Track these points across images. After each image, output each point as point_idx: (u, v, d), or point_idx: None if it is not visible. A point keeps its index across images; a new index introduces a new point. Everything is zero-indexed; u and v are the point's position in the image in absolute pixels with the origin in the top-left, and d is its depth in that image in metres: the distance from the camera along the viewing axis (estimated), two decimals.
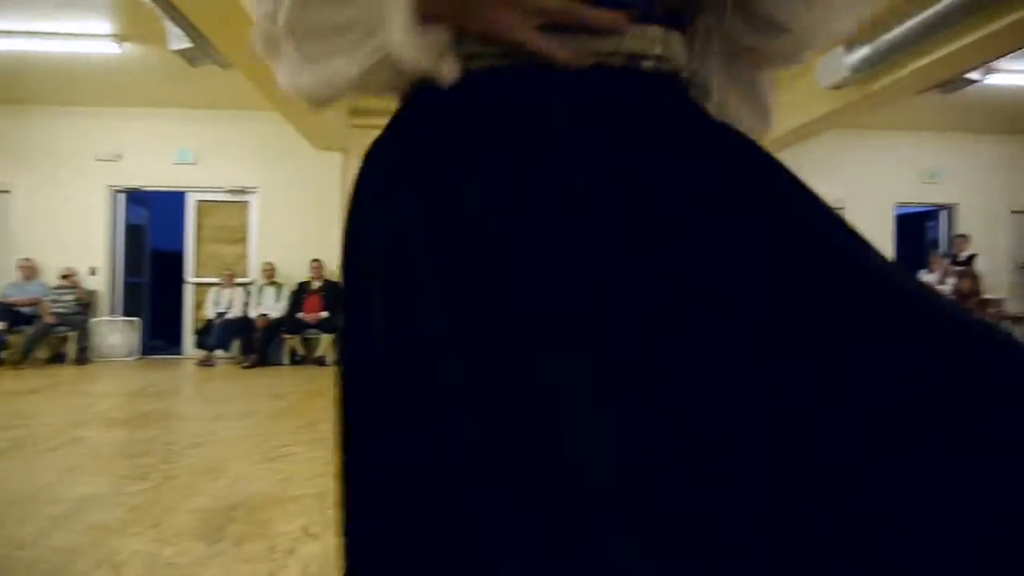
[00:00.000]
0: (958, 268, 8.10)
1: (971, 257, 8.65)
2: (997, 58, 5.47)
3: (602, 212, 0.49)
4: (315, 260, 8.13)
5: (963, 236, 8.96)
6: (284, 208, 8.63)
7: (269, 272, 8.15)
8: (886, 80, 5.62)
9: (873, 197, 9.01)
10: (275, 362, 7.83)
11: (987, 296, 7.11)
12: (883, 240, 9.45)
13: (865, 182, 9.12)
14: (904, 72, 5.41)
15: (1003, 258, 9.58)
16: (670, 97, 0.57)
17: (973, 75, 6.11)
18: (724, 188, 0.50)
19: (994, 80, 6.68)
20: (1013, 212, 9.61)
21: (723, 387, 0.43)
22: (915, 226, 9.91)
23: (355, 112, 8.15)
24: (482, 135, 0.53)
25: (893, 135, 9.11)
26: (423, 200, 0.52)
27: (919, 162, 9.16)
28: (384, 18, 0.52)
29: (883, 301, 0.44)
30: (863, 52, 5.39)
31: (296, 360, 7.86)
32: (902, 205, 9.25)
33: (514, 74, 0.54)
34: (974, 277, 6.64)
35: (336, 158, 8.53)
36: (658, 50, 0.56)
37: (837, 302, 0.44)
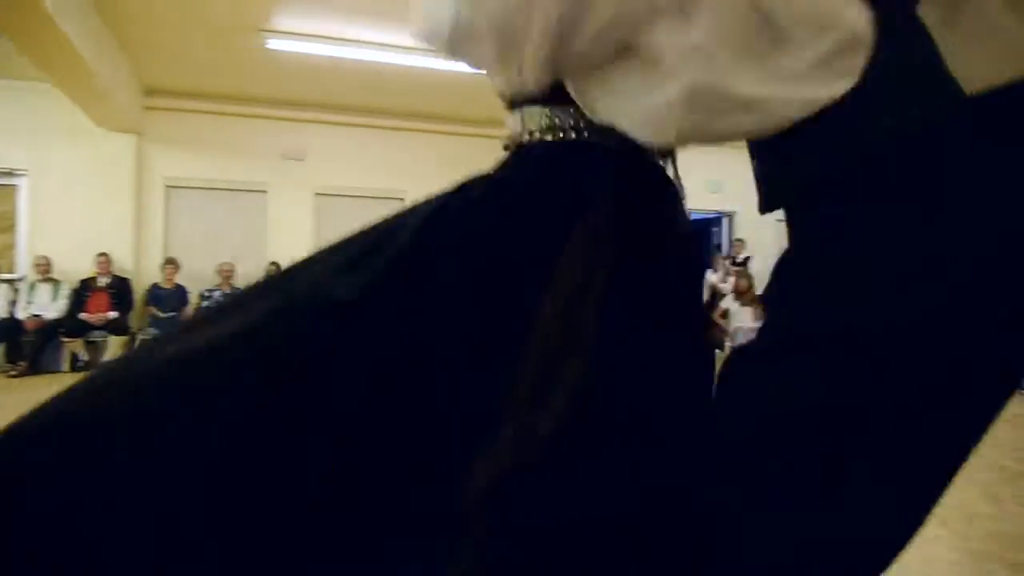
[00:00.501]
0: (736, 268, 8.90)
1: (747, 259, 9.66)
2: None
3: None
4: (101, 254, 7.23)
5: (741, 240, 10.18)
6: (62, 194, 7.49)
7: (43, 267, 7.06)
8: None
9: None
10: (52, 369, 6.85)
11: (759, 293, 7.93)
12: None
13: None
14: None
15: (772, 259, 11.38)
16: None
17: None
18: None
19: None
20: (778, 220, 11.29)
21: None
22: (703, 230, 10.62)
23: (150, 92, 7.52)
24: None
25: (683, 148, 10.02)
26: None
27: (705, 173, 9.64)
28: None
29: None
30: None
31: (78, 367, 6.92)
32: (692, 211, 10.30)
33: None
34: (749, 276, 7.54)
35: (128, 141, 7.62)
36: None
37: None
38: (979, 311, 0.55)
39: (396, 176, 8.74)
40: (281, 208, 8.58)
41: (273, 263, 7.88)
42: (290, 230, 8.48)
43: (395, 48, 6.44)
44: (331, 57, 6.73)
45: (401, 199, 8.10)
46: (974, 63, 0.54)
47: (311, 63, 6.90)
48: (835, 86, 0.57)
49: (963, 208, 0.55)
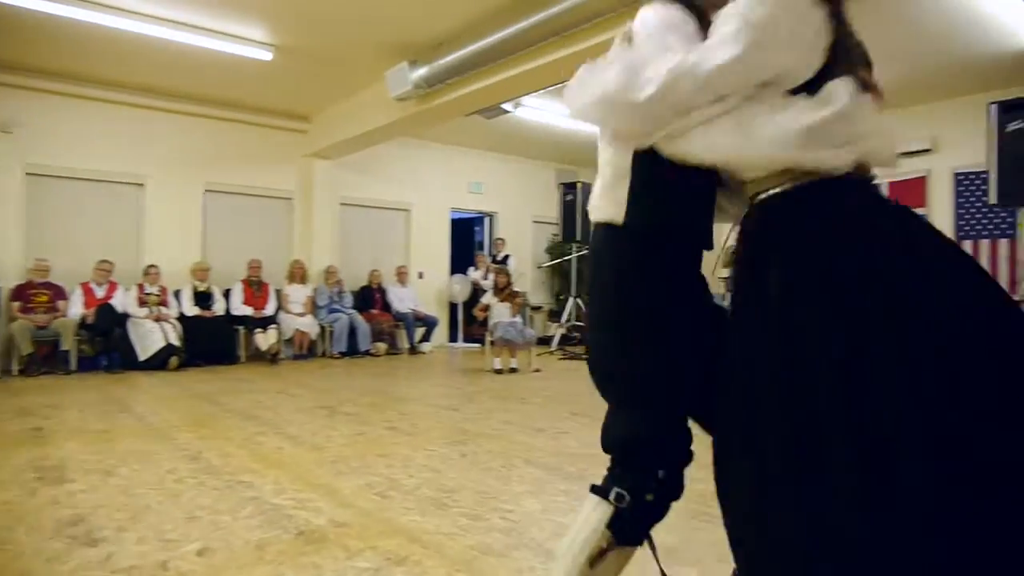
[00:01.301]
0: (496, 265, 8.57)
1: (506, 257, 9.49)
2: (524, 95, 7.02)
3: None
4: None
5: (501, 239, 10.76)
6: None
7: None
8: (441, 100, 6.62)
9: (434, 202, 9.17)
10: None
11: (517, 289, 7.81)
12: (442, 240, 9.84)
13: (428, 188, 9.29)
14: (454, 95, 6.46)
15: (528, 257, 11.37)
16: None
17: (507, 106, 7.36)
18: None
19: (522, 113, 8.20)
20: (534, 221, 11.59)
21: None
22: (467, 229, 9.65)
23: None
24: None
25: (449, 149, 9.31)
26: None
27: (469, 174, 9.36)
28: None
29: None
30: (423, 71, 6.28)
31: None
32: (456, 210, 8.96)
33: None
34: (507, 273, 7.92)
35: None
36: None
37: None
38: None
39: (133, 159, 7.95)
40: None
41: None
42: None
43: (138, 15, 5.63)
44: (52, 14, 5.51)
45: (141, 184, 8.11)
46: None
47: (25, 17, 5.65)
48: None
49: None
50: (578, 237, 8.86)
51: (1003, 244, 7.63)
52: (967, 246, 7.82)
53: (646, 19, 1.34)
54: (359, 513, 2.41)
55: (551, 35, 5.17)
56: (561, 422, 4.21)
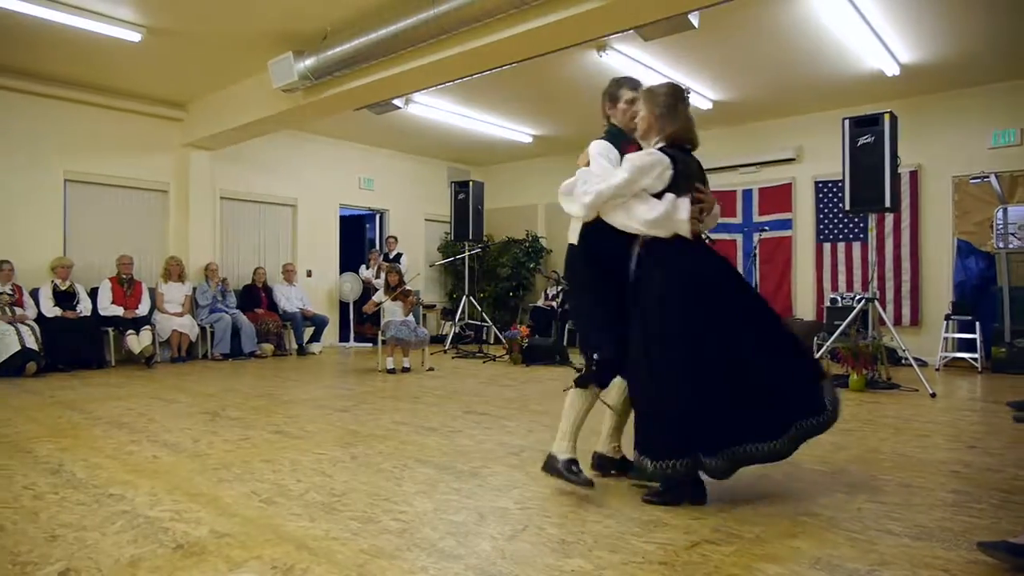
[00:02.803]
0: (388, 264, 8.51)
1: (398, 255, 9.43)
2: (414, 91, 6.98)
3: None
4: None
5: (393, 237, 10.50)
6: None
7: None
8: (329, 92, 6.50)
9: (323, 197, 9.02)
10: None
11: (409, 288, 7.72)
12: (331, 237, 9.71)
13: (315, 183, 9.09)
14: (343, 89, 6.35)
15: (420, 256, 11.36)
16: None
17: (397, 102, 7.27)
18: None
19: (413, 109, 8.19)
20: (426, 219, 11.71)
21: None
22: (358, 226, 9.70)
23: None
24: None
25: (339, 143, 9.16)
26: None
27: (359, 170, 9.31)
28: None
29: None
30: (309, 62, 6.08)
31: None
32: (346, 207, 8.90)
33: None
34: (399, 272, 7.84)
35: None
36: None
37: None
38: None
39: None
40: None
41: None
42: None
43: None
44: None
45: None
46: None
47: None
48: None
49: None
50: (470, 235, 8.88)
51: (856, 247, 8.38)
52: (826, 248, 8.54)
53: (592, 149, 2.82)
54: (243, 522, 2.30)
55: (440, 33, 5.17)
56: (454, 421, 4.21)
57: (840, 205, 8.09)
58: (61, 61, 6.83)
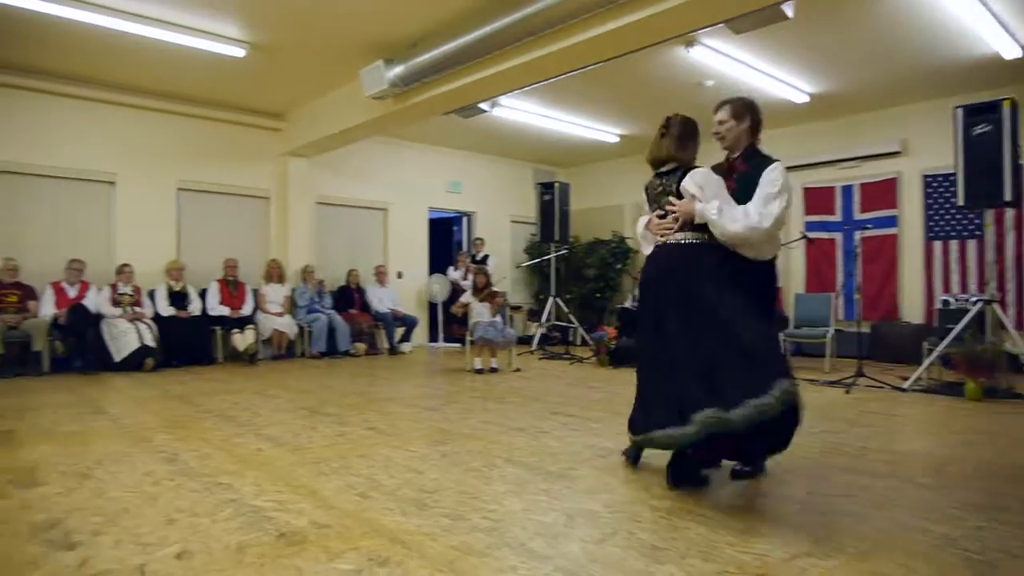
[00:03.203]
0: (476, 265, 8.61)
1: (485, 256, 9.57)
2: (501, 95, 7.04)
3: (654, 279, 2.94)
4: None
5: (480, 239, 10.80)
6: None
7: None
8: (418, 99, 6.70)
9: (412, 201, 9.24)
10: None
11: (496, 289, 7.80)
12: (420, 239, 9.95)
13: (405, 187, 9.36)
14: (431, 94, 6.54)
15: (507, 257, 11.55)
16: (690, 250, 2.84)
17: (483, 105, 7.31)
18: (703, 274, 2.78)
19: (499, 112, 8.35)
20: (512, 221, 11.77)
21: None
22: (446, 229, 9.87)
23: None
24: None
25: (426, 148, 9.37)
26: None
27: (446, 174, 9.47)
28: None
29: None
30: (399, 70, 6.31)
31: None
32: (434, 210, 9.02)
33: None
34: (487, 273, 7.96)
35: None
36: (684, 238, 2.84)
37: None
38: None
39: (104, 156, 7.74)
40: None
41: None
42: None
43: (110, 10, 5.54)
44: (21, 7, 5.36)
45: (111, 182, 7.92)
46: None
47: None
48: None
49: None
50: (556, 237, 8.87)
51: (971, 245, 7.79)
52: (936, 247, 7.99)
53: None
54: (340, 514, 2.39)
55: (527, 35, 5.20)
56: (541, 421, 4.22)
57: (952, 200, 7.58)
58: (174, 78, 7.34)
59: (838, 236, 8.73)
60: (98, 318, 6.97)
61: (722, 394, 2.48)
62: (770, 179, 2.77)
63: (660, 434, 2.65)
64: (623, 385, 6.00)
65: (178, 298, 7.65)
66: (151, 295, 7.56)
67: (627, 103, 8.24)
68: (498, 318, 7.26)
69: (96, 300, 7.09)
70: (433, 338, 10.30)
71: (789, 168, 8.75)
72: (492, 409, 4.71)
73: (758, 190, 2.76)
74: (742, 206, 2.76)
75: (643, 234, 3.05)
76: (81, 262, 7.17)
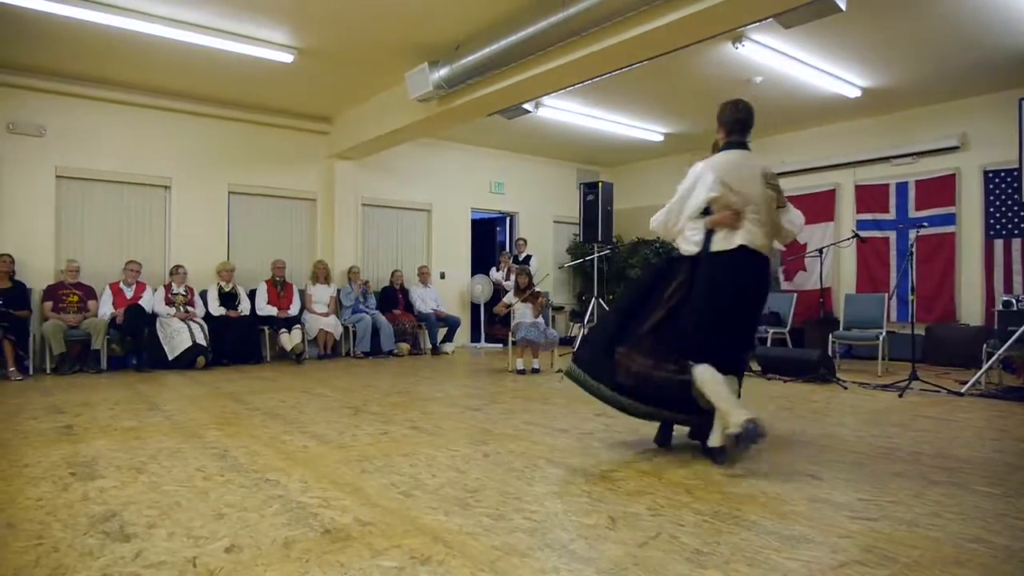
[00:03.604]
0: (518, 266, 8.58)
1: (528, 257, 9.60)
2: (544, 95, 7.11)
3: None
4: None
5: (522, 239, 10.82)
6: None
7: None
8: (462, 100, 6.76)
9: (455, 202, 9.34)
10: None
11: (539, 290, 7.79)
12: (463, 240, 10.08)
13: (449, 189, 9.46)
14: (475, 96, 6.60)
15: (550, 258, 11.48)
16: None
17: (527, 106, 7.38)
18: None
19: (542, 112, 8.39)
20: (555, 221, 11.80)
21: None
22: (488, 229, 9.93)
23: None
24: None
25: (469, 149, 9.49)
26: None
27: (489, 175, 9.61)
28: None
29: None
30: (443, 72, 6.40)
31: None
32: (477, 210, 9.09)
33: None
34: (529, 274, 7.92)
35: None
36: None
37: None
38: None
39: (159, 161, 8.02)
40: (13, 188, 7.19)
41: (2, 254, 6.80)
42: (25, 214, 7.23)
43: (162, 20, 5.76)
44: (81, 19, 5.58)
45: (166, 186, 8.19)
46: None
47: (52, 22, 5.75)
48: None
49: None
50: (599, 238, 8.82)
51: None
52: (998, 245, 7.68)
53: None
54: (383, 512, 2.43)
55: (570, 35, 5.18)
56: (584, 423, 4.21)
57: (1016, 197, 7.27)
58: (224, 83, 7.56)
59: (892, 235, 8.46)
60: (153, 318, 7.23)
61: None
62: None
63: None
64: None
65: (228, 298, 7.87)
66: (203, 295, 7.79)
67: (672, 101, 8.15)
68: (540, 319, 7.26)
69: (151, 300, 7.35)
70: (475, 339, 10.36)
71: (837, 166, 8.47)
72: (534, 410, 4.72)
73: None
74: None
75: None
76: (137, 263, 7.45)
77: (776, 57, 6.45)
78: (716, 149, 3.37)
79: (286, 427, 4.03)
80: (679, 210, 3.31)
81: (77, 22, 5.72)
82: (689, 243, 3.31)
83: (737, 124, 3.28)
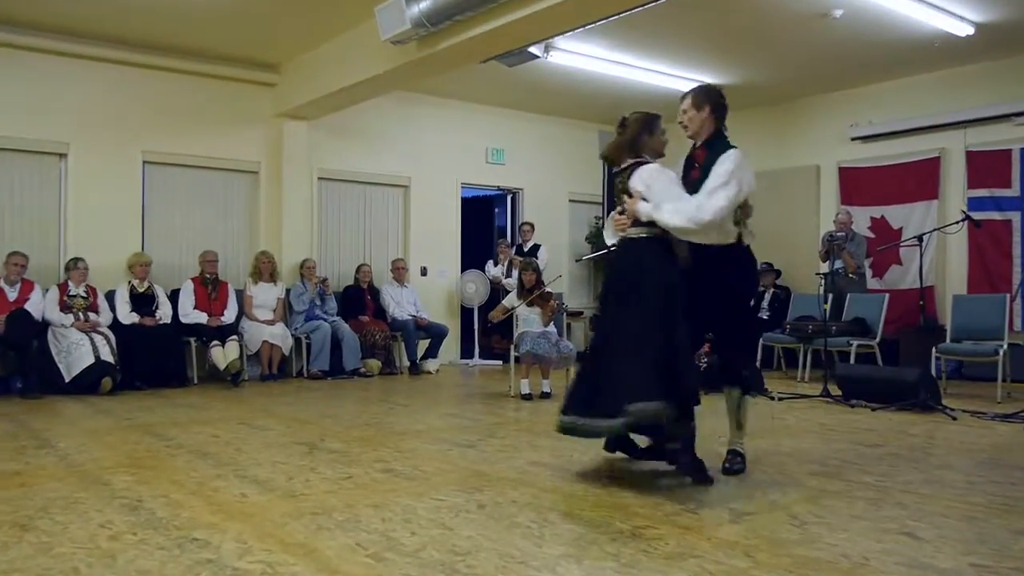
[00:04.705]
0: (522, 259, 8.59)
1: (535, 247, 9.67)
2: (557, 34, 7.13)
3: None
4: None
5: (529, 224, 10.73)
6: None
7: None
8: (449, 42, 6.73)
9: (441, 175, 9.44)
10: None
11: (548, 290, 7.71)
12: (451, 225, 10.16)
13: (432, 158, 9.50)
14: (467, 36, 6.53)
15: (564, 248, 11.64)
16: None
17: (534, 50, 7.51)
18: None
19: (555, 58, 8.42)
20: (571, 200, 11.93)
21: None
22: (485, 211, 10.22)
23: None
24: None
25: (460, 107, 9.47)
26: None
27: (486, 140, 9.53)
28: None
29: None
30: (424, 4, 6.31)
31: None
32: (469, 186, 9.17)
33: None
34: (537, 270, 7.63)
35: None
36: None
37: None
38: None
39: (52, 122, 8.02)
40: None
41: None
42: None
43: None
44: None
45: (61, 154, 8.19)
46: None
47: None
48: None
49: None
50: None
51: None
52: None
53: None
54: None
55: None
56: (608, 463, 4.22)
57: None
58: (137, 20, 7.55)
59: (1015, 217, 8.46)
60: (44, 327, 7.25)
61: (597, 401, 3.63)
62: (719, 171, 3.69)
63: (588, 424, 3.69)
64: (715, 417, 5.93)
65: (143, 301, 7.89)
66: (109, 297, 7.81)
67: (725, 43, 8.19)
68: (552, 327, 7.27)
69: (41, 304, 7.36)
70: (467, 353, 10.41)
71: (942, 126, 8.55)
72: (544, 446, 4.73)
73: (706, 181, 3.70)
74: (689, 197, 3.70)
75: (607, 227, 4.12)
76: (23, 256, 7.45)
77: None
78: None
79: (218, 470, 4.04)
80: (736, 200, 3.71)
81: None
82: (723, 233, 3.76)
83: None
